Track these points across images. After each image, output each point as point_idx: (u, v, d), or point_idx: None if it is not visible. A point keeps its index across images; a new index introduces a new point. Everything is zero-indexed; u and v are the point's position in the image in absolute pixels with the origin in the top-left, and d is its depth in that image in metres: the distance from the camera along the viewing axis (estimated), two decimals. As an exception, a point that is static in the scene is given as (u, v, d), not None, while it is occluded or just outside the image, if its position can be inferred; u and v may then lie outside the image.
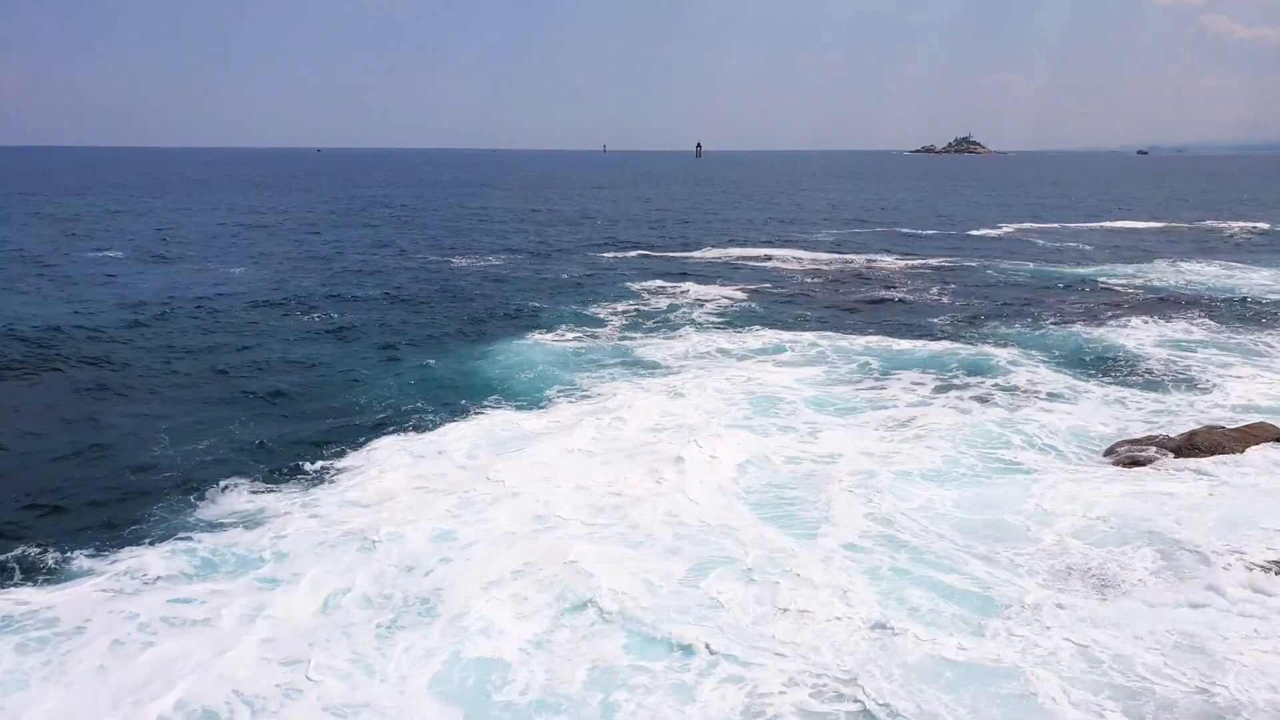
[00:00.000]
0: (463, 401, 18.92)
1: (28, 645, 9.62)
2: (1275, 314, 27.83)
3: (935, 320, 27.76)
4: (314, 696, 8.81)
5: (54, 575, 11.32)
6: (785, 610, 10.23)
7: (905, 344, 24.05)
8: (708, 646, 9.45)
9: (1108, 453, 15.35)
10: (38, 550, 11.85)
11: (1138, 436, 15.94)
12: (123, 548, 12.02)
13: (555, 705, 8.69)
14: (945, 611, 10.18)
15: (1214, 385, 19.83)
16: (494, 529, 12.41)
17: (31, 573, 11.34)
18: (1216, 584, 10.58)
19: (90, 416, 17.98)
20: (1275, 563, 10.87)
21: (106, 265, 38.20)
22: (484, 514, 12.95)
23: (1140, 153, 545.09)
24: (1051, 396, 19.12)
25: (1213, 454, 14.53)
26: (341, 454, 15.66)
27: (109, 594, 10.69)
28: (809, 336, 25.00)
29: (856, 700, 8.59)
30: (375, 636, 9.81)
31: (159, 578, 11.12)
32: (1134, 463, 14.63)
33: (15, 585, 10.99)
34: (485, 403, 18.85)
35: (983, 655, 9.28)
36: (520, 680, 9.04)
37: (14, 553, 11.79)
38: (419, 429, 17.03)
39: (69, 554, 11.79)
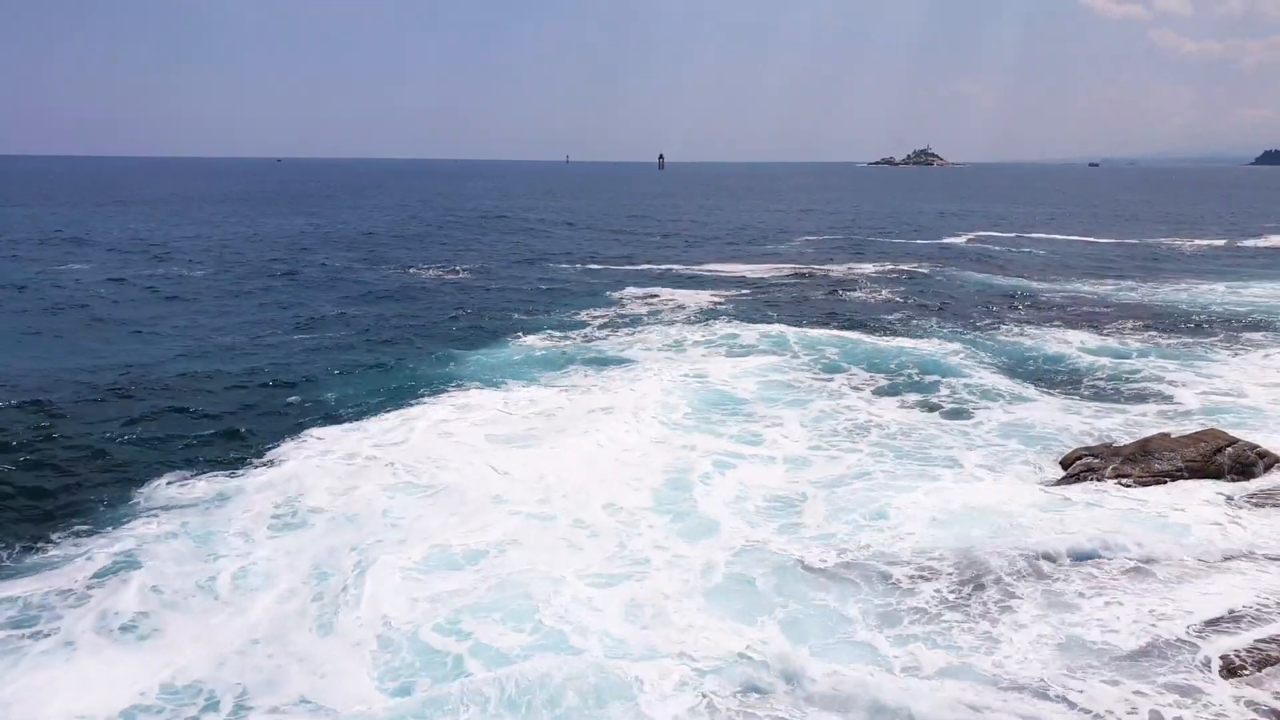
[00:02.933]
0: (419, 397, 19.63)
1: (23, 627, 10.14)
2: (1226, 325, 28.66)
3: (891, 323, 28.35)
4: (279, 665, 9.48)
5: (47, 563, 11.78)
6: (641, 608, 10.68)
7: (862, 346, 24.69)
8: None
9: (1064, 462, 15.81)
10: (25, 541, 12.38)
11: (1091, 444, 16.45)
12: (96, 534, 12.64)
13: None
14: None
15: (1166, 393, 20.48)
16: (427, 511, 13.39)
17: (20, 562, 11.83)
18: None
19: (68, 409, 18.28)
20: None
21: (69, 276, 37.71)
22: (423, 499, 13.92)
23: (1091, 165, 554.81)
24: (1000, 401, 19.70)
25: (1164, 460, 14.99)
26: (292, 444, 16.39)
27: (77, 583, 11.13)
28: (769, 337, 25.93)
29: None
30: (319, 611, 10.52)
31: (138, 559, 11.67)
32: (1083, 473, 15.07)
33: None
34: (441, 399, 19.46)
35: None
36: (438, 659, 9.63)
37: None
38: (378, 422, 17.69)
39: (54, 542, 12.39)
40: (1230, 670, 9.16)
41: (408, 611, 10.43)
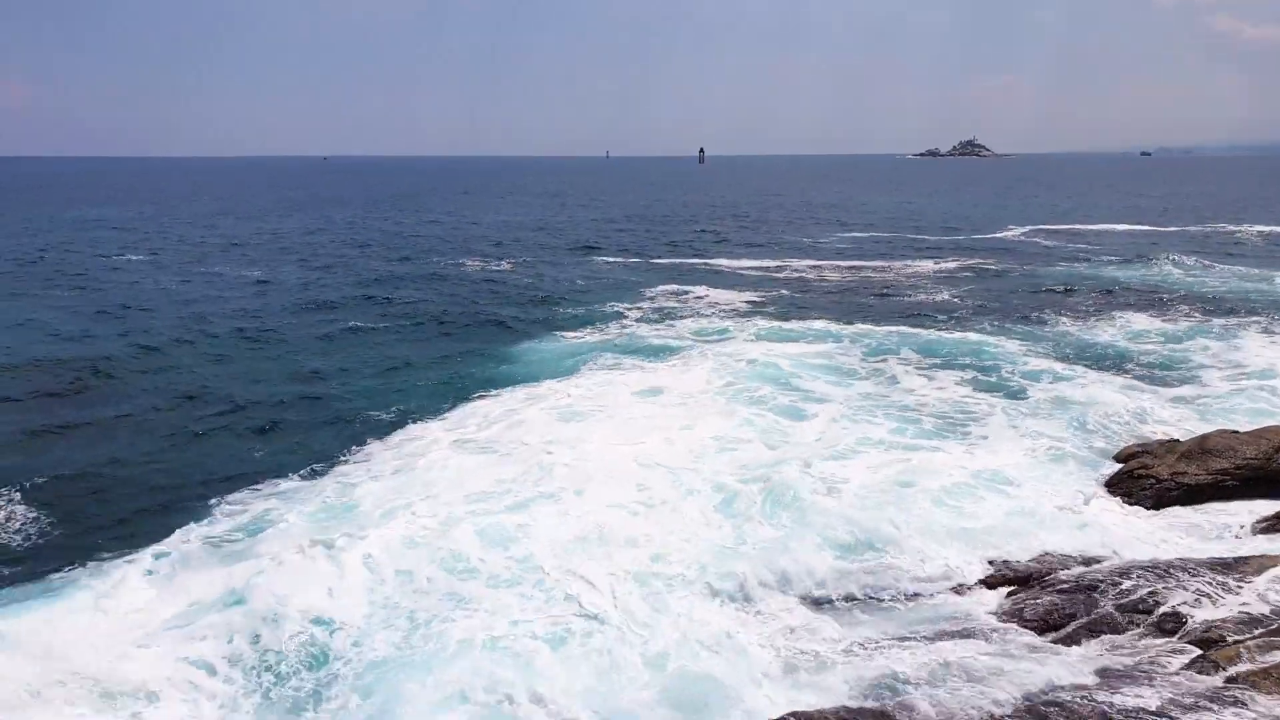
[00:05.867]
0: (484, 391, 20.32)
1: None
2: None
3: (943, 318, 28.22)
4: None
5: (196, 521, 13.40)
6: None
7: (917, 339, 24.63)
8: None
9: (1119, 457, 15.69)
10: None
11: (1149, 440, 16.28)
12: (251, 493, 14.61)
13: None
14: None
15: (1226, 385, 20.15)
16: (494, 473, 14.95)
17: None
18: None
19: (171, 411, 19.35)
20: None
21: (135, 272, 38.82)
22: (487, 468, 15.23)
23: (1144, 154, 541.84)
24: (1054, 389, 19.66)
25: (1223, 458, 14.75)
26: (392, 430, 17.63)
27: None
28: (814, 330, 26.21)
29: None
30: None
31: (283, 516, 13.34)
32: (1137, 470, 14.87)
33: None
34: (504, 392, 20.25)
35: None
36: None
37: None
38: (450, 413, 18.74)
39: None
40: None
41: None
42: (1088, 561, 11.79)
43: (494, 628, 10.36)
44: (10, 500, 14.46)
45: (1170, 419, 17.56)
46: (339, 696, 9.25)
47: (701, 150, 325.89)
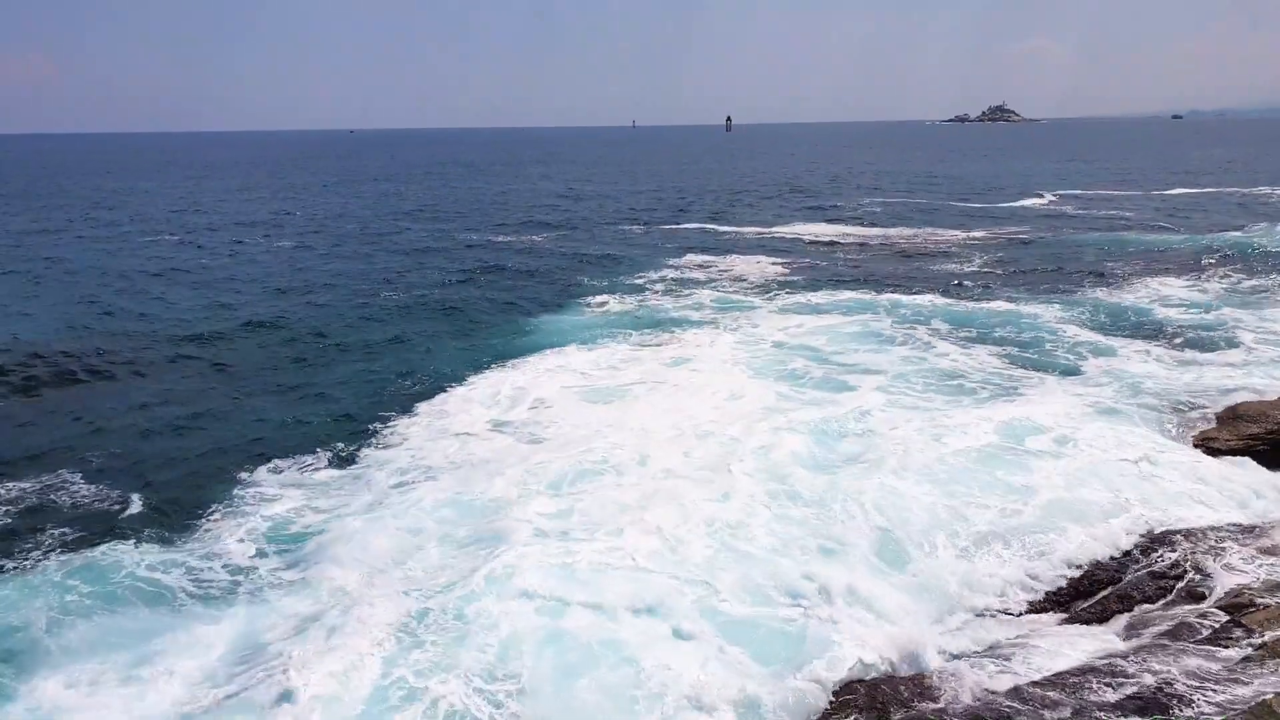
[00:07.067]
0: (513, 360, 20.58)
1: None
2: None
3: (975, 286, 28.11)
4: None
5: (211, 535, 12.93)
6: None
7: (947, 306, 24.72)
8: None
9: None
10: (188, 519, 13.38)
11: (1184, 405, 16.30)
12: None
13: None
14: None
15: (1262, 350, 20.01)
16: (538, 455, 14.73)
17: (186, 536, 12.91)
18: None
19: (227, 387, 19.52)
20: None
21: (166, 247, 39.42)
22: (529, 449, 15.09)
23: (1175, 117, 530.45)
24: (1089, 358, 19.71)
25: (1255, 423, 14.80)
26: (407, 419, 17.17)
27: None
28: (845, 299, 26.21)
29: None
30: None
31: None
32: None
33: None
34: (530, 362, 20.40)
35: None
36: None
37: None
38: (478, 382, 18.97)
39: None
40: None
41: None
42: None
43: (557, 563, 10.92)
44: (88, 470, 14.76)
45: (1203, 385, 17.50)
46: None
47: (729, 118, 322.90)
